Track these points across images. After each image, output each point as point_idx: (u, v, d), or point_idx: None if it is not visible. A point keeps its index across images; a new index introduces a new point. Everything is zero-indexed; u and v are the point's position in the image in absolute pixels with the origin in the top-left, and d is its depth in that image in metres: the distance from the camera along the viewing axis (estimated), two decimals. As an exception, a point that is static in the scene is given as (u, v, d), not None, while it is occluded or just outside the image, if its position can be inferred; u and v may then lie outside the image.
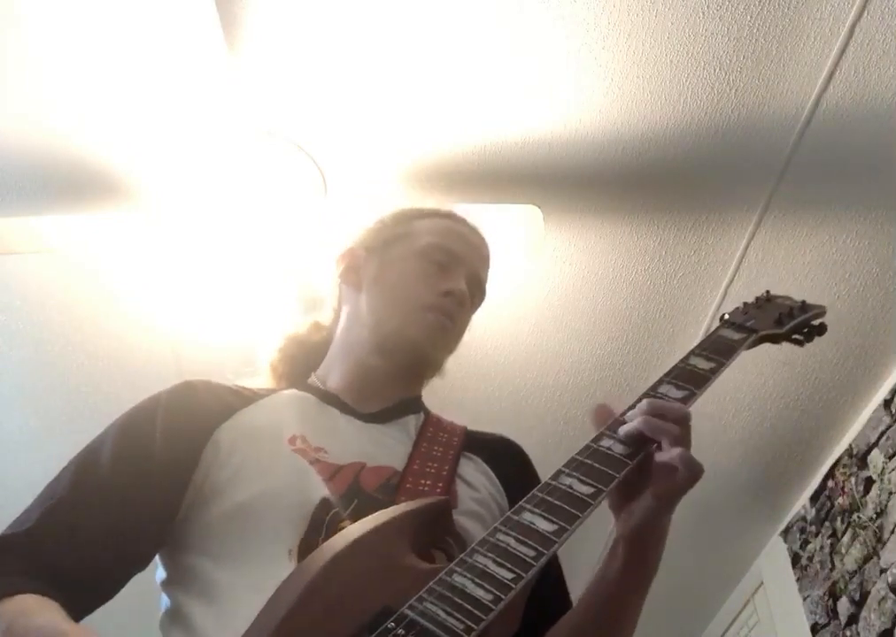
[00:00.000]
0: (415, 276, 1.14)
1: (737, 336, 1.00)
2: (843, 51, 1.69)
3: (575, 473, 0.80)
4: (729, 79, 1.75)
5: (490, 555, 0.72)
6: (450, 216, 1.25)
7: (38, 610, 0.80)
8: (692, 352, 0.96)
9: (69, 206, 1.98)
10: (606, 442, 0.83)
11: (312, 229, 1.85)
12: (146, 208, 1.98)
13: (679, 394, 0.89)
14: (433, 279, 1.14)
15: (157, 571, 0.97)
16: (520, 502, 0.78)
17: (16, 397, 2.47)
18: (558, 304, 2.21)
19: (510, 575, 0.70)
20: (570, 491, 0.78)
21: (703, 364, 0.94)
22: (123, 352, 2.33)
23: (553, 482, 0.80)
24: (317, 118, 1.87)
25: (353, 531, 0.82)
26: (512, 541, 0.74)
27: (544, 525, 0.75)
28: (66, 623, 0.79)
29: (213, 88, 1.80)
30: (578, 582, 0.93)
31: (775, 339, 1.05)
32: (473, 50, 1.74)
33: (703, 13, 1.66)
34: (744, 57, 1.72)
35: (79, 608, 0.87)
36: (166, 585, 0.95)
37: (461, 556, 0.73)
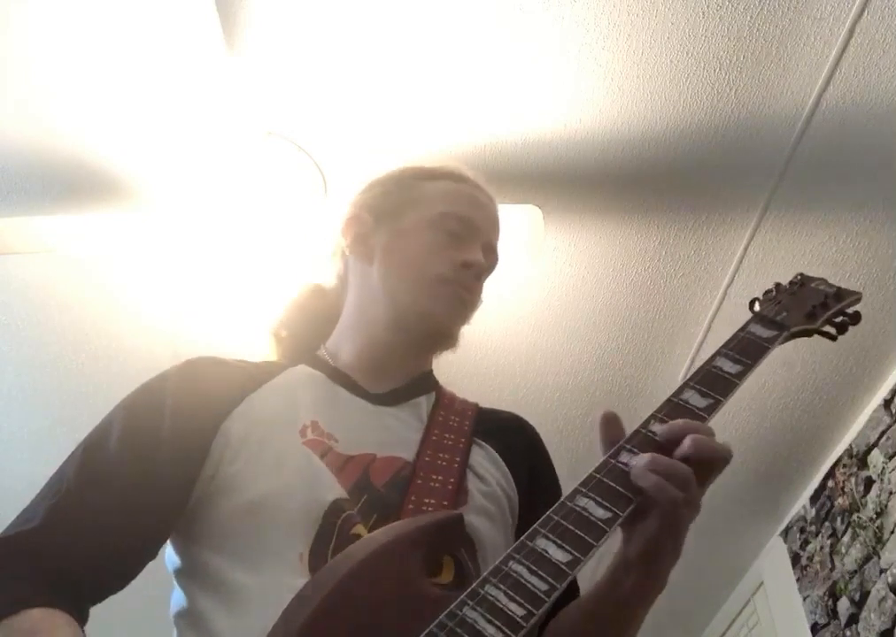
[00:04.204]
0: (430, 247, 1.10)
1: (767, 334, 0.94)
2: (843, 51, 1.69)
3: (591, 494, 0.77)
4: (729, 79, 1.75)
5: (501, 587, 0.70)
6: (459, 177, 1.19)
7: (47, 629, 0.79)
8: (719, 352, 0.91)
9: (70, 206, 1.98)
10: (624, 458, 0.80)
11: (312, 229, 1.85)
12: (146, 208, 1.99)
13: (703, 402, 0.85)
14: (449, 250, 1.10)
15: (166, 556, 0.96)
16: (535, 525, 0.76)
17: (16, 397, 2.47)
18: (558, 304, 2.21)
19: (521, 611, 0.68)
20: (586, 515, 0.75)
21: (730, 367, 0.89)
22: (123, 352, 2.33)
23: (570, 503, 0.77)
24: (317, 118, 1.87)
25: (366, 546, 0.80)
26: (524, 572, 0.71)
27: (557, 555, 0.72)
28: None
29: (213, 88, 1.80)
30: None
31: (807, 334, 1.00)
32: (473, 51, 1.74)
33: (703, 13, 1.66)
34: (744, 57, 1.72)
35: (89, 601, 0.87)
36: (180, 576, 0.94)
37: (473, 585, 0.71)
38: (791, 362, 2.27)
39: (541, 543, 0.74)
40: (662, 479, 0.76)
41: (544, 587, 0.70)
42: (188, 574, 0.93)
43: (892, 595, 1.97)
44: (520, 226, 1.89)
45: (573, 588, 1.00)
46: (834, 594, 2.26)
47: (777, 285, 1.05)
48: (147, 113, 1.85)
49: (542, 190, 1.95)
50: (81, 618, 0.84)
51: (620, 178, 1.93)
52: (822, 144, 1.85)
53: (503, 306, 2.21)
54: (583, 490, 0.78)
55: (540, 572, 0.71)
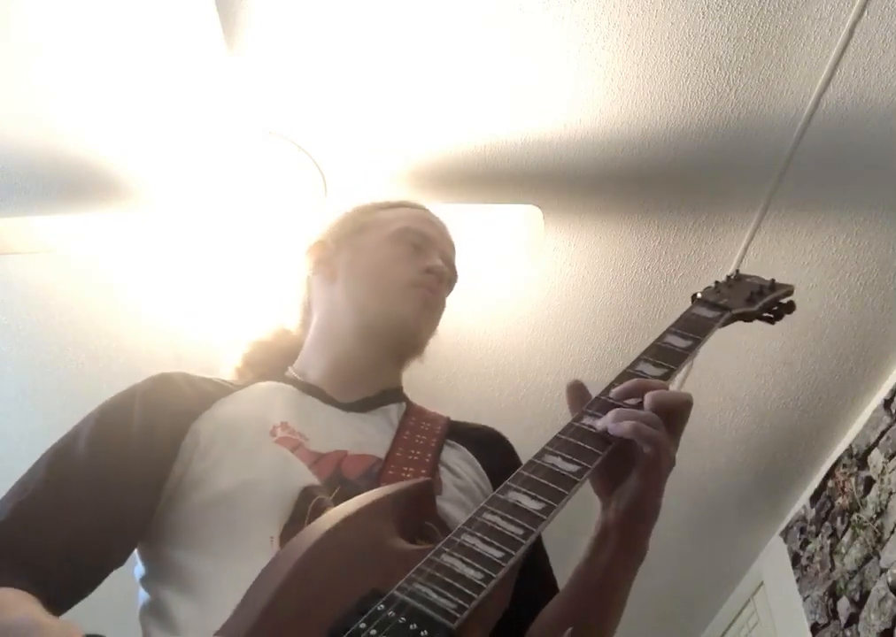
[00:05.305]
0: (393, 257, 1.15)
1: (711, 314, 1.00)
2: (843, 51, 1.69)
3: (559, 452, 0.80)
4: (729, 79, 1.75)
5: (478, 534, 0.72)
6: (412, 205, 1.28)
7: (15, 603, 0.78)
8: (668, 331, 0.96)
9: (70, 206, 1.98)
10: (588, 420, 0.83)
11: (312, 229, 1.85)
12: (146, 208, 1.99)
13: (657, 371, 0.89)
14: (411, 259, 1.15)
15: (135, 567, 0.95)
16: (505, 482, 0.78)
17: (16, 397, 2.47)
18: (558, 304, 2.21)
19: (499, 554, 0.69)
20: (555, 469, 0.78)
21: (679, 342, 0.94)
22: (123, 352, 2.33)
23: (538, 461, 0.79)
24: (317, 118, 1.87)
25: (337, 513, 0.80)
26: (499, 520, 0.73)
27: (530, 504, 0.74)
28: (45, 616, 0.77)
29: (213, 88, 1.80)
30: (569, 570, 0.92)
31: (747, 317, 1.06)
32: (473, 51, 1.74)
33: (703, 13, 1.66)
34: (744, 57, 1.72)
35: (55, 604, 0.84)
36: (146, 580, 0.93)
37: (449, 535, 0.73)
38: (791, 362, 2.27)
39: (513, 496, 0.76)
40: (636, 421, 0.79)
41: (520, 531, 0.72)
42: (152, 575, 0.92)
43: (892, 595, 1.97)
44: (520, 226, 1.89)
45: (552, 587, 1.01)
46: (834, 594, 2.26)
47: (716, 282, 1.12)
48: (147, 113, 1.85)
49: (542, 190, 1.95)
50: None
51: (620, 178, 1.93)
52: (822, 144, 1.85)
53: (503, 306, 2.21)
54: (551, 449, 0.81)
55: (515, 520, 0.73)
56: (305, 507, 0.88)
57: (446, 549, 0.71)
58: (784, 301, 1.10)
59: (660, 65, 1.74)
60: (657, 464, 0.79)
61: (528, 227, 1.90)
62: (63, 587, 0.87)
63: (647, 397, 0.82)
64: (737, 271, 1.16)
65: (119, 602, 1.32)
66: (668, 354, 0.92)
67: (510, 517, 0.73)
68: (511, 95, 1.80)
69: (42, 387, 2.43)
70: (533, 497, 0.75)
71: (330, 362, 1.13)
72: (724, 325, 1.01)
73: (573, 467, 0.78)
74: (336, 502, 0.89)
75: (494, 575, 0.68)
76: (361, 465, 0.97)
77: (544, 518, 0.73)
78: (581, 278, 2.15)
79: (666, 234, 2.06)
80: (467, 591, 0.66)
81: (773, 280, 1.11)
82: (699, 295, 1.06)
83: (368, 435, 1.03)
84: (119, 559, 0.92)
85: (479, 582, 0.67)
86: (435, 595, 0.66)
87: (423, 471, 0.97)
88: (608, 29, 1.69)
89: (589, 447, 0.80)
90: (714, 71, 1.74)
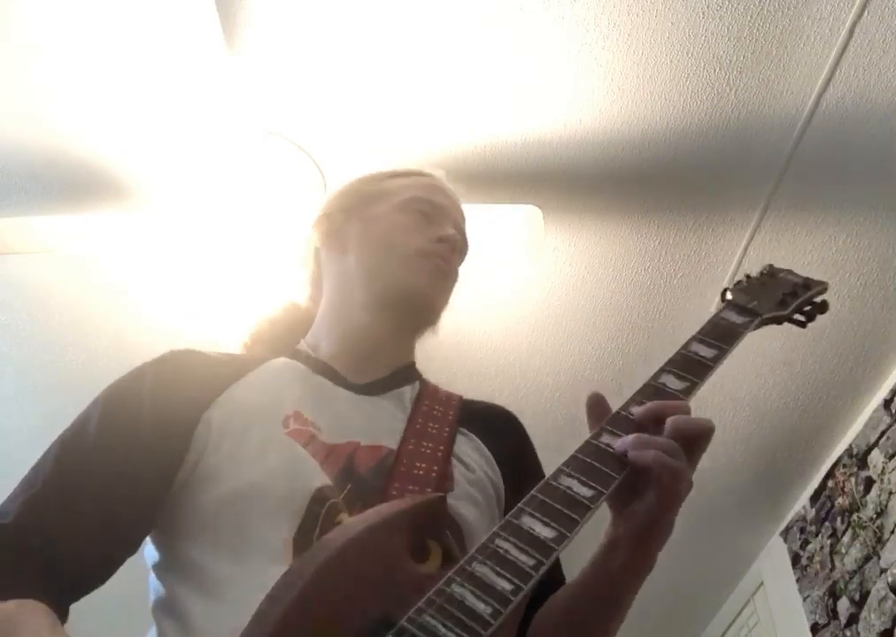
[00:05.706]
0: (405, 227, 1.13)
1: (740, 320, 0.96)
2: (843, 51, 1.69)
3: (575, 474, 0.78)
4: (729, 79, 1.75)
5: (489, 563, 0.71)
6: (421, 173, 1.25)
7: (23, 620, 0.78)
8: (694, 337, 0.93)
9: (70, 206, 1.98)
10: (606, 439, 0.81)
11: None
12: (146, 208, 1.99)
13: (680, 385, 0.87)
14: (422, 228, 1.13)
15: (146, 550, 0.95)
16: (519, 504, 0.77)
17: (16, 397, 2.47)
18: (558, 304, 2.21)
19: (509, 586, 0.69)
20: (570, 493, 0.76)
21: (704, 351, 0.91)
22: (123, 351, 2.33)
23: (553, 483, 0.78)
24: (317, 118, 1.87)
25: (347, 530, 0.80)
26: (511, 549, 0.72)
27: (543, 532, 0.73)
28: (53, 633, 0.77)
29: (213, 88, 1.80)
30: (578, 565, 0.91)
31: (778, 321, 1.02)
32: (473, 51, 1.74)
33: (703, 13, 1.66)
34: (744, 57, 1.72)
35: (68, 596, 0.85)
36: (159, 570, 0.92)
37: (461, 563, 0.72)
38: (791, 362, 2.27)
39: (527, 521, 0.75)
40: (657, 452, 0.77)
41: (531, 562, 0.71)
42: (167, 567, 0.91)
43: (892, 595, 1.97)
44: (520, 226, 1.89)
45: (559, 578, 1.01)
46: (834, 594, 2.26)
47: (747, 276, 1.07)
48: (147, 113, 1.85)
49: (542, 190, 1.95)
50: (60, 612, 0.82)
51: (620, 178, 1.93)
52: (822, 144, 1.85)
53: (503, 306, 2.21)
54: (567, 470, 0.79)
55: (527, 549, 0.72)
56: (317, 510, 0.87)
57: (457, 579, 0.70)
58: (818, 300, 1.05)
59: (660, 65, 1.74)
60: (676, 490, 0.78)
61: (528, 227, 1.90)
62: (76, 581, 0.87)
63: (669, 423, 0.80)
64: (771, 265, 1.10)
65: (120, 589, 1.32)
66: (692, 365, 0.89)
67: (522, 545, 0.72)
68: (511, 95, 1.80)
69: (42, 386, 2.43)
70: (546, 524, 0.74)
71: (342, 335, 1.10)
72: (754, 330, 0.97)
73: (588, 492, 0.76)
74: (347, 502, 0.89)
75: (503, 610, 0.67)
76: (373, 457, 0.96)
77: (556, 548, 0.72)
78: (581, 278, 2.15)
79: (666, 234, 2.06)
80: (476, 628, 0.66)
81: (806, 279, 1.06)
82: (728, 295, 1.02)
83: (381, 423, 1.02)
84: (131, 548, 0.91)
85: (488, 617, 0.67)
86: (444, 630, 0.66)
87: (435, 468, 0.96)
88: (608, 29, 1.69)
89: (605, 469, 0.78)
90: (714, 71, 1.74)
